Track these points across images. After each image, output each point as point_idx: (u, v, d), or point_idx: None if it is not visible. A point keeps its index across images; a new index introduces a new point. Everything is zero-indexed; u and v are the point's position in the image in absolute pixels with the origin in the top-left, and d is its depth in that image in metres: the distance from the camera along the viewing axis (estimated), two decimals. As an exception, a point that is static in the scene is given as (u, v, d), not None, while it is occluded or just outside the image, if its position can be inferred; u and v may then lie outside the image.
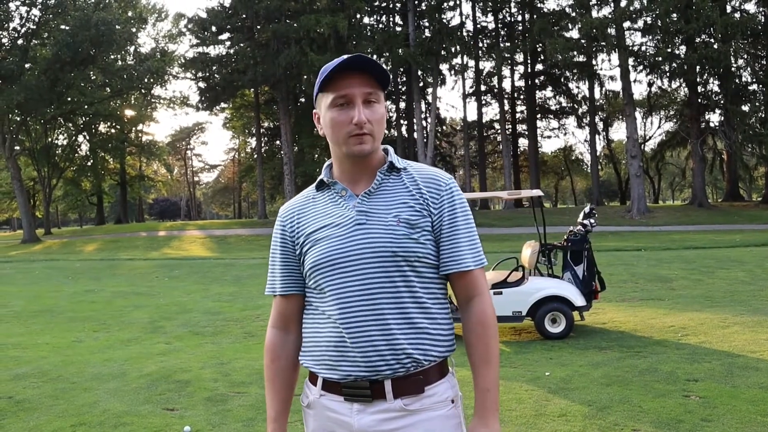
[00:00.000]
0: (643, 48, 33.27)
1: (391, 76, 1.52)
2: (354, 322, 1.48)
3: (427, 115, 41.80)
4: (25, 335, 8.03)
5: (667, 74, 33.79)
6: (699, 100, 34.50)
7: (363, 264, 1.49)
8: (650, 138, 48.23)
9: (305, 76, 37.39)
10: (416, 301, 1.50)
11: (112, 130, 50.63)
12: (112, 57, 39.23)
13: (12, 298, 11.97)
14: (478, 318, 1.54)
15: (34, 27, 35.79)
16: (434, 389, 1.51)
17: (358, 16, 36.23)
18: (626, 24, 31.36)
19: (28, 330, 8.45)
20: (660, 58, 31.69)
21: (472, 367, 1.54)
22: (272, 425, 1.64)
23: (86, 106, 41.81)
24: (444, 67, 38.61)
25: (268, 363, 1.66)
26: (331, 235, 1.53)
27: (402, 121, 43.73)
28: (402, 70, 38.15)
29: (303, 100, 45.29)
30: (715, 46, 30.03)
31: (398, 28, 39.09)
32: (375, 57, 35.75)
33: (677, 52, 32.35)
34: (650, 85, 38.54)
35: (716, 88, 35.10)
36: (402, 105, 43.91)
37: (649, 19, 31.45)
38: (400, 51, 34.51)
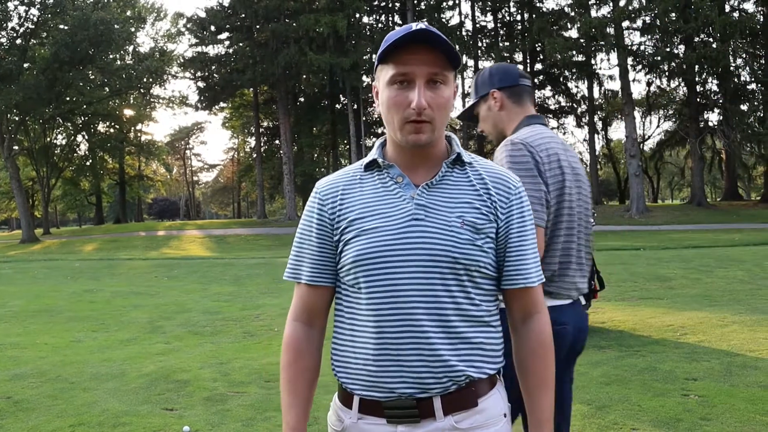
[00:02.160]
0: (642, 47, 33.32)
1: (460, 57, 1.34)
2: (402, 333, 1.29)
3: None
4: (24, 335, 8.03)
5: (666, 73, 33.85)
6: (698, 100, 34.54)
7: (418, 267, 1.29)
8: (649, 137, 48.31)
9: (304, 76, 37.45)
10: (473, 314, 1.33)
11: (111, 130, 50.61)
12: (111, 56, 39.20)
13: (11, 297, 11.95)
14: (538, 337, 1.39)
15: (33, 27, 35.76)
16: (486, 402, 1.35)
17: (357, 15, 36.26)
18: (625, 23, 31.42)
19: (27, 330, 8.44)
20: (659, 58, 31.75)
21: (525, 393, 1.40)
22: None
23: (85, 106, 41.79)
24: (443, 67, 38.62)
25: (289, 361, 1.42)
26: (381, 227, 1.32)
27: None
28: (401, 69, 38.15)
29: (302, 99, 45.34)
30: (714, 46, 30.10)
31: (397, 28, 39.12)
32: (374, 56, 35.85)
33: (676, 51, 32.41)
34: (649, 84, 38.58)
35: (715, 88, 35.19)
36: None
37: (647, 19, 31.51)
38: (399, 50, 34.55)
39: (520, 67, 36.00)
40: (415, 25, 1.28)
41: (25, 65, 35.22)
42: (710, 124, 36.20)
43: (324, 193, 1.41)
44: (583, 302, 2.23)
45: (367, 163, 1.40)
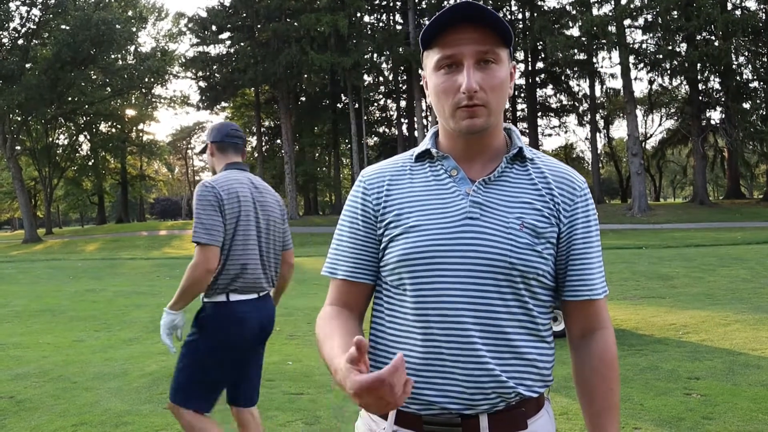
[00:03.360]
0: (644, 46, 33.31)
1: (512, 32, 1.21)
2: (449, 342, 1.17)
3: (428, 113, 41.78)
4: (27, 335, 8.04)
5: (668, 72, 33.77)
6: (700, 98, 34.48)
7: (471, 271, 1.17)
8: (651, 136, 48.23)
9: (306, 75, 37.43)
10: (528, 327, 1.20)
11: (113, 130, 50.68)
12: (113, 56, 39.25)
13: (13, 297, 11.97)
14: (602, 356, 1.25)
15: (35, 27, 35.81)
16: (536, 424, 1.23)
17: (359, 14, 36.25)
18: (627, 22, 31.37)
19: (30, 329, 8.45)
20: (661, 56, 31.71)
21: (588, 416, 1.26)
22: (337, 360, 1.08)
23: (87, 106, 41.85)
24: (445, 66, 38.59)
25: (326, 319, 1.25)
26: (432, 225, 1.19)
27: (403, 120, 43.72)
28: (402, 68, 38.15)
29: (304, 99, 45.33)
30: (716, 44, 30.05)
31: (399, 27, 39.11)
32: (375, 56, 35.92)
33: (678, 49, 32.35)
34: (651, 82, 38.58)
35: (717, 86, 35.10)
36: (403, 104, 43.90)
37: (649, 17, 31.47)
38: (400, 49, 34.52)
39: (522, 65, 35.76)
40: (457, 2, 1.15)
41: (27, 65, 35.26)
42: (712, 122, 36.13)
43: (370, 181, 1.28)
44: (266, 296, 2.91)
45: (418, 153, 1.28)
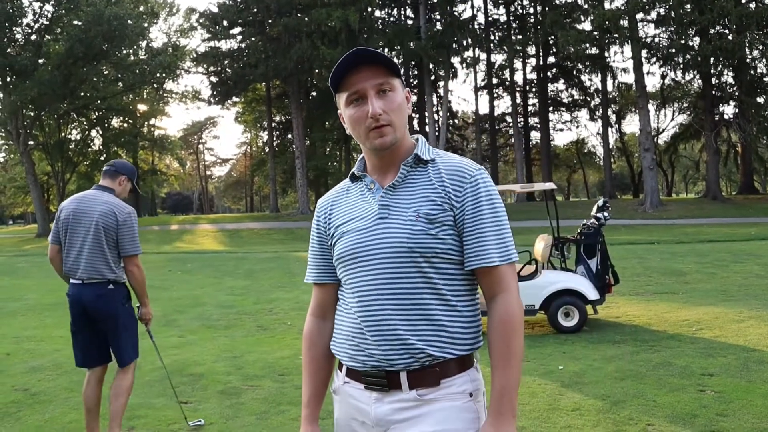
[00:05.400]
0: (657, 40, 32.94)
1: (397, 62, 1.66)
2: (370, 316, 1.49)
3: (439, 108, 41.69)
4: (40, 328, 8.11)
5: (681, 66, 33.42)
6: (713, 92, 34.15)
7: (380, 259, 1.48)
8: (663, 130, 47.85)
9: (317, 70, 37.38)
10: (435, 298, 1.47)
11: (125, 125, 50.94)
12: (125, 52, 39.37)
13: (27, 291, 12.08)
14: (500, 316, 1.47)
15: (48, 22, 35.99)
16: (451, 381, 1.48)
17: (369, 9, 36.13)
18: (639, 15, 31.04)
19: (43, 323, 8.53)
20: (673, 50, 31.38)
21: (491, 368, 1.48)
22: (304, 410, 1.65)
23: (99, 101, 42.04)
24: (455, 60, 38.45)
25: (304, 350, 1.69)
26: (354, 229, 1.54)
27: (414, 115, 43.59)
28: (413, 63, 38.06)
29: (314, 93, 45.31)
30: (730, 37, 29.69)
31: (409, 22, 39.00)
32: (386, 50, 35.78)
33: (691, 43, 32.00)
34: (663, 77, 38.16)
35: (731, 80, 34.72)
36: (414, 98, 43.72)
37: (662, 11, 31.12)
38: (411, 44, 34.42)
39: (533, 60, 35.40)
40: (349, 53, 1.48)
41: (40, 61, 35.46)
42: (726, 116, 35.74)
43: (320, 207, 1.69)
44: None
45: (350, 175, 1.64)
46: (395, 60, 1.56)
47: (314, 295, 1.70)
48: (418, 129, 42.28)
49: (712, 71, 33.05)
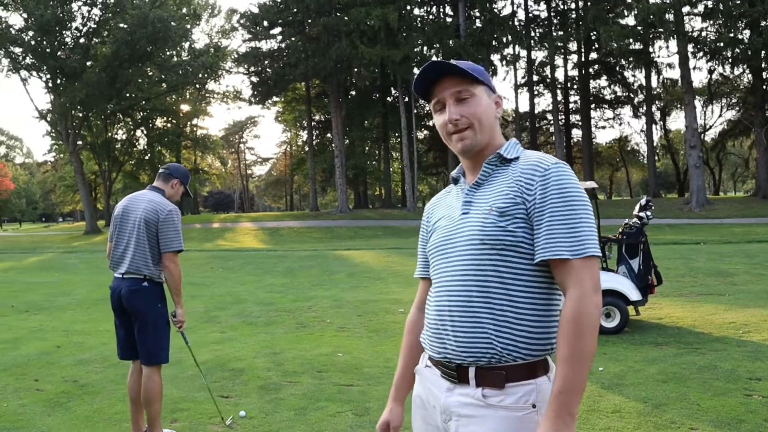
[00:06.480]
0: (704, 33, 32.07)
1: (480, 68, 1.63)
2: (446, 307, 1.55)
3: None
4: (88, 322, 8.36)
5: (730, 60, 32.46)
6: (764, 87, 33.04)
7: (458, 252, 1.55)
8: (711, 127, 46.51)
9: (356, 69, 37.57)
10: (504, 292, 1.49)
11: (168, 125, 52.06)
12: (168, 53, 40.27)
13: (75, 286, 12.47)
14: (567, 314, 1.40)
15: (95, 26, 37.05)
16: (517, 389, 1.47)
17: (408, 7, 36.10)
18: (685, 9, 30.22)
19: (91, 317, 8.79)
20: (722, 44, 30.48)
21: (556, 365, 1.43)
22: (392, 389, 1.82)
23: (143, 102, 43.11)
24: (495, 58, 38.14)
25: (404, 336, 1.85)
26: (443, 225, 1.65)
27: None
28: (452, 61, 37.77)
29: (353, 92, 45.54)
30: (782, 30, 28.67)
31: (449, 19, 38.77)
32: (425, 48, 35.74)
33: (740, 36, 31.01)
34: (711, 72, 37.17)
35: (783, 74, 33.54)
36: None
37: (710, 3, 30.24)
38: (450, 42, 34.24)
39: (574, 56, 34.99)
40: (426, 66, 1.59)
41: (88, 63, 36.55)
42: (777, 112, 34.57)
43: (427, 208, 1.83)
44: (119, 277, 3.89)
45: (451, 178, 1.76)
46: (474, 67, 1.63)
47: (419, 288, 1.85)
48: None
49: (762, 65, 31.97)
